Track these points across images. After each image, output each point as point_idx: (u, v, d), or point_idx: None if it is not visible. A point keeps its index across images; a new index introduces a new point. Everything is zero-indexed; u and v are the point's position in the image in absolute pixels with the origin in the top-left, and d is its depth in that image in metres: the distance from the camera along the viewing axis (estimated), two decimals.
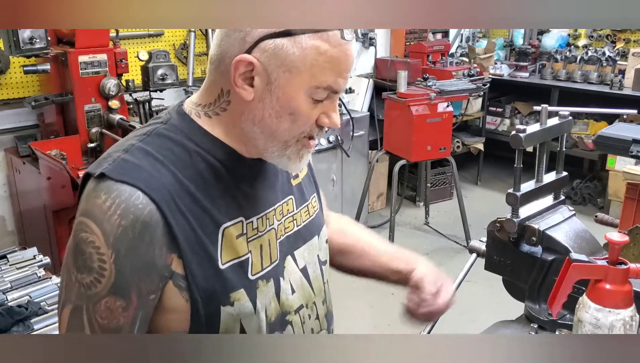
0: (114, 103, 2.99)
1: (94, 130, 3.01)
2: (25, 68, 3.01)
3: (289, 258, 1.03)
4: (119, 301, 0.85)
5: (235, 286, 0.92)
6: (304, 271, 1.05)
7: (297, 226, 1.06)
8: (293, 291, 1.02)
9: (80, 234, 0.85)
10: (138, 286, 0.85)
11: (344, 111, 4.03)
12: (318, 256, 1.09)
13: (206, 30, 4.00)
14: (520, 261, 1.30)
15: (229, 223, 0.92)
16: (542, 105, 1.33)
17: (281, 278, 0.99)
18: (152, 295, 0.88)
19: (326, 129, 0.96)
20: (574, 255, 1.06)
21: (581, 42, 5.47)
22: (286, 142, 0.92)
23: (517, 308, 1.37)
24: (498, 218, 1.32)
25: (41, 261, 1.60)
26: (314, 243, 1.09)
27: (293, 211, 1.05)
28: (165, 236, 0.85)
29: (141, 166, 0.87)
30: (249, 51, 0.87)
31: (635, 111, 3.13)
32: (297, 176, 1.09)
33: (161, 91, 3.39)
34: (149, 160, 0.88)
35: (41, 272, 1.53)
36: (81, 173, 2.76)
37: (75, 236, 0.86)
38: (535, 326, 1.26)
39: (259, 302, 0.94)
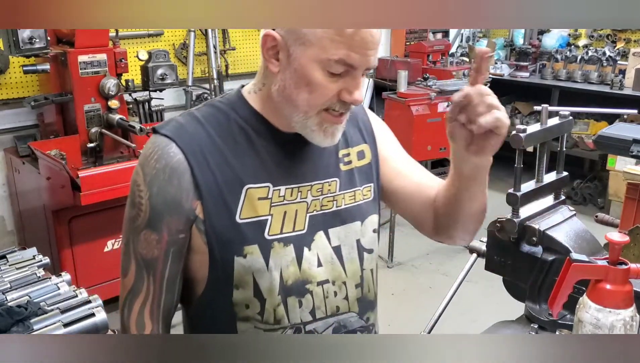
0: (114, 103, 2.99)
1: (93, 130, 3.01)
2: (24, 68, 3.01)
3: (321, 233, 1.08)
4: (153, 234, 1.00)
5: (250, 241, 1.01)
6: (336, 250, 1.09)
7: (337, 206, 1.10)
8: (320, 265, 1.07)
9: (133, 177, 1.03)
10: (168, 223, 1.00)
11: None
12: (359, 241, 1.12)
13: (206, 30, 4.00)
14: (520, 261, 1.30)
15: (254, 185, 1.02)
16: (542, 105, 1.32)
17: (306, 248, 1.06)
18: (181, 234, 1.01)
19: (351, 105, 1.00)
20: (575, 255, 1.06)
21: (581, 42, 5.46)
22: (306, 113, 0.98)
23: (517, 308, 1.37)
24: (498, 218, 1.32)
25: (41, 261, 1.60)
26: (354, 227, 1.12)
27: (335, 192, 1.10)
28: (192, 184, 0.99)
29: (184, 125, 1.02)
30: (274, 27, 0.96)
31: (635, 111, 3.13)
32: (349, 162, 1.14)
33: (161, 90, 3.39)
34: (193, 122, 1.03)
35: (41, 272, 1.52)
36: (81, 173, 2.76)
37: (131, 180, 1.03)
38: (536, 326, 1.26)
39: (272, 261, 1.02)
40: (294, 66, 0.96)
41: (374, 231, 1.16)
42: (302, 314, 1.05)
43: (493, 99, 0.92)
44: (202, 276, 1.04)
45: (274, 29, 0.95)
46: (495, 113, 0.90)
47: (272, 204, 1.03)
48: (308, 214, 1.07)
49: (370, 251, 1.14)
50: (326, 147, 1.06)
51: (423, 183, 1.20)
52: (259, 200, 1.02)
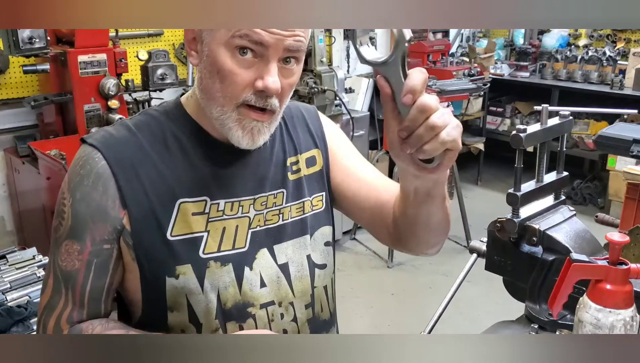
0: (114, 103, 2.99)
1: (93, 130, 3.00)
2: (24, 68, 3.01)
3: (265, 250, 1.00)
4: (75, 244, 0.93)
5: (182, 260, 0.93)
6: (283, 268, 1.01)
7: (283, 220, 1.02)
8: (263, 285, 0.99)
9: (61, 187, 0.97)
10: (92, 231, 0.92)
11: (344, 111, 4.03)
12: (309, 257, 1.04)
13: None
14: (520, 261, 1.30)
15: (188, 199, 0.95)
16: (542, 105, 1.32)
17: (247, 268, 0.97)
18: (106, 245, 0.93)
19: (271, 96, 0.89)
20: (575, 255, 1.06)
21: (582, 41, 5.46)
22: (222, 106, 0.91)
23: (517, 308, 1.36)
24: (498, 218, 1.31)
25: (40, 261, 1.60)
26: (303, 241, 1.04)
27: (281, 204, 1.02)
28: (118, 192, 0.92)
29: (113, 135, 0.96)
30: None
31: (635, 111, 3.12)
32: (298, 171, 1.06)
33: (161, 90, 3.39)
34: (123, 131, 0.97)
35: (40, 272, 1.53)
36: None
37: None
38: (536, 326, 1.26)
39: (208, 282, 0.94)
40: (206, 52, 0.89)
41: (327, 244, 1.08)
42: None
43: (435, 119, 0.74)
44: (138, 298, 0.97)
45: None
46: (442, 137, 0.74)
47: (210, 220, 0.95)
48: (250, 231, 0.99)
49: (322, 266, 1.06)
50: (272, 156, 1.00)
51: (376, 185, 1.08)
52: (194, 215, 0.94)
